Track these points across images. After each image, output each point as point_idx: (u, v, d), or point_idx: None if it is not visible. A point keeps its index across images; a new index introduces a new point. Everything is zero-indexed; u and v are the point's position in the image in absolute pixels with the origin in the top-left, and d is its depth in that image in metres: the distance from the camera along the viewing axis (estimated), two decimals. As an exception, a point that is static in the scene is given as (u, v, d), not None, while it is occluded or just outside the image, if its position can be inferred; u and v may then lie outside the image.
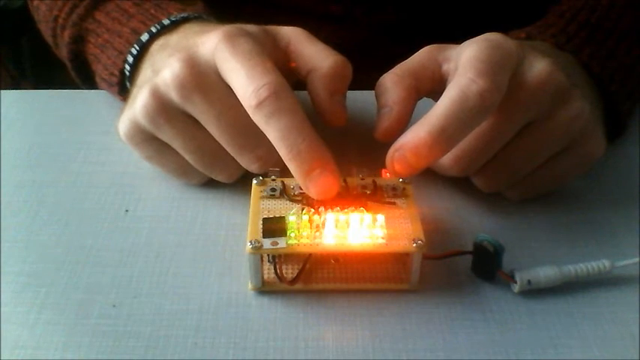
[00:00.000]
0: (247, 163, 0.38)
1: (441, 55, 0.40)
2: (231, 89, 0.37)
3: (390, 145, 0.37)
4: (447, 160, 0.39)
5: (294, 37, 0.41)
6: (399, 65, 0.41)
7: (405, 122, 0.39)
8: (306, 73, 0.40)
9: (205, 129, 0.38)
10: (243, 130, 0.37)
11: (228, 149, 0.38)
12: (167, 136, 0.39)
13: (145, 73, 0.42)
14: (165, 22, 0.44)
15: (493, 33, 0.38)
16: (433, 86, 0.40)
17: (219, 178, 0.41)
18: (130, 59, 0.45)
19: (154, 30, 0.44)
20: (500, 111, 0.37)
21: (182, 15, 0.45)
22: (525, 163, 0.39)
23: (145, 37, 0.44)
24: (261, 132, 0.36)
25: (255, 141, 0.37)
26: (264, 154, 0.38)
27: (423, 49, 0.41)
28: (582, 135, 0.39)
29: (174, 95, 0.37)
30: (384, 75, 0.41)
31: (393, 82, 0.40)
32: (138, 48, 0.44)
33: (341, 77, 0.40)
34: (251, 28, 0.40)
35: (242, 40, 0.37)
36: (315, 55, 0.40)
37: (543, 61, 0.37)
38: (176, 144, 0.39)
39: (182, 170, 0.41)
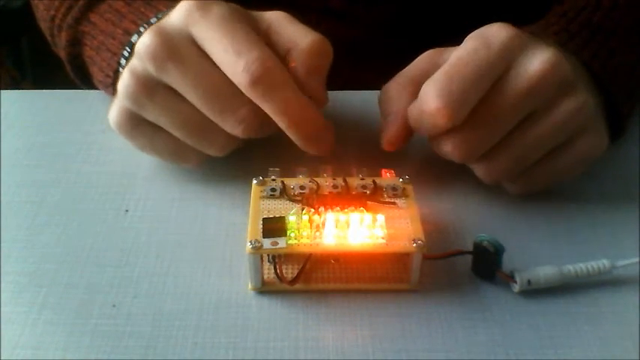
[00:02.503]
0: (231, 127, 0.38)
1: (441, 58, 0.40)
2: (205, 54, 0.37)
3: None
4: (448, 145, 0.38)
5: (274, 19, 0.40)
6: (400, 73, 0.41)
7: (410, 130, 0.39)
8: (285, 52, 0.39)
9: (188, 101, 0.38)
10: (221, 93, 0.37)
11: (210, 115, 0.38)
12: (153, 114, 0.39)
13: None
14: (153, 20, 0.44)
15: (493, 26, 0.38)
16: None
17: (212, 151, 0.40)
18: (123, 61, 0.45)
19: (142, 30, 0.44)
20: (503, 99, 0.37)
21: (169, 11, 0.44)
22: (527, 154, 0.39)
23: (134, 38, 0.44)
24: (241, 93, 0.36)
25: (235, 102, 0.37)
26: (247, 114, 0.37)
27: (423, 55, 0.41)
28: (584, 129, 0.39)
29: (149, 67, 0.37)
30: (387, 84, 0.41)
31: (396, 90, 0.40)
32: (129, 50, 0.44)
33: (320, 55, 0.39)
34: (229, 4, 0.39)
35: (215, 7, 0.37)
36: (294, 34, 0.39)
37: (548, 51, 0.37)
38: (163, 121, 0.39)
39: (176, 152, 0.41)
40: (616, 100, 0.44)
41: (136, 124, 0.40)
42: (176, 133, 0.40)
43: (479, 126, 0.37)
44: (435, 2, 0.58)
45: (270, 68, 0.35)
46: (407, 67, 0.41)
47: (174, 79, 0.37)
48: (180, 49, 0.37)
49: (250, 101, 0.37)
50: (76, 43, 0.50)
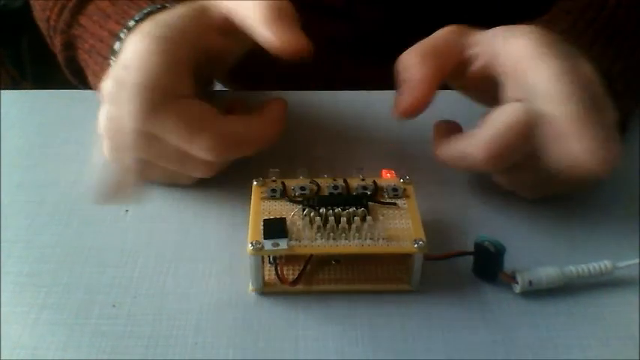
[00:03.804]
0: (204, 154, 0.39)
1: (465, 39, 0.39)
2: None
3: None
4: (479, 153, 0.37)
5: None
6: (421, 42, 0.40)
7: (427, 101, 0.38)
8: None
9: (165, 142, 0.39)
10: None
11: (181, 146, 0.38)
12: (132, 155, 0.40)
13: None
14: (131, 23, 0.44)
15: (529, 27, 0.38)
16: (456, 68, 0.39)
17: (198, 175, 0.41)
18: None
19: (122, 36, 0.44)
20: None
21: (145, 11, 0.44)
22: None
23: (117, 45, 0.44)
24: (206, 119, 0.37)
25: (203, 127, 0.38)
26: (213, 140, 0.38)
27: (445, 29, 0.40)
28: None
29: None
30: (406, 52, 0.39)
31: (416, 58, 0.39)
32: (114, 58, 0.44)
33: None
34: (172, 23, 0.39)
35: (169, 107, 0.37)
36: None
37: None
38: (145, 157, 0.40)
39: (165, 177, 0.42)
40: (620, 99, 0.44)
41: (119, 157, 0.41)
42: (160, 164, 0.40)
43: (514, 134, 0.37)
44: (436, 1, 0.58)
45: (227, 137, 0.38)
46: (428, 38, 0.40)
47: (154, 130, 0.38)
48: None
49: (215, 128, 0.38)
50: (69, 47, 0.50)
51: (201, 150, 0.38)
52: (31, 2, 0.57)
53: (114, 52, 0.44)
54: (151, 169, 0.41)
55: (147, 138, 0.38)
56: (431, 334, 0.34)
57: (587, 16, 0.46)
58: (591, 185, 0.41)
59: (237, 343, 0.33)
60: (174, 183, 0.42)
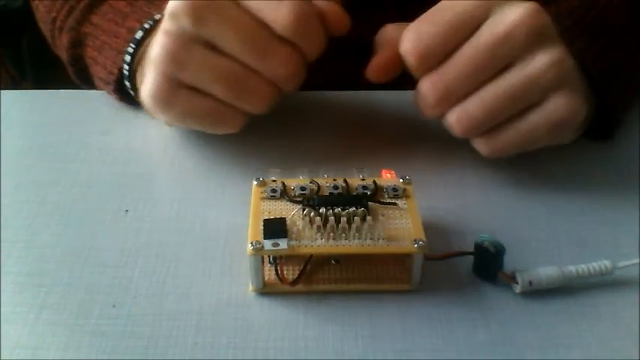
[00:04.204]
0: (276, 68, 0.39)
1: None
2: (238, 3, 0.38)
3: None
4: (425, 84, 0.39)
5: None
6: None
7: (398, 64, 0.41)
8: None
9: (226, 55, 0.38)
10: (262, 38, 0.38)
11: (253, 61, 0.38)
12: (192, 72, 0.39)
13: (147, 52, 0.42)
14: (157, 16, 0.44)
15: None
16: None
17: (253, 106, 0.40)
18: (128, 58, 0.45)
19: (147, 26, 0.44)
20: (479, 44, 0.38)
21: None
22: (499, 105, 0.39)
23: (139, 34, 0.44)
24: (278, 38, 0.38)
25: (276, 45, 0.38)
26: (289, 55, 0.39)
27: None
28: (559, 86, 0.38)
29: (186, 22, 0.37)
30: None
31: (392, 28, 0.42)
32: (134, 46, 0.44)
33: None
34: None
35: None
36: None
37: (527, 2, 0.38)
38: (203, 79, 0.39)
39: (216, 114, 0.41)
40: (606, 92, 0.44)
41: (173, 90, 0.40)
42: (216, 90, 0.39)
43: (454, 69, 0.38)
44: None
45: (308, 8, 0.38)
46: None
47: (213, 29, 0.38)
48: (216, 0, 0.38)
49: (289, 44, 0.38)
50: (77, 45, 0.50)
51: (279, 21, 0.38)
52: (34, 4, 0.57)
53: (135, 41, 0.45)
54: (200, 101, 0.40)
55: (205, 46, 0.38)
56: (431, 334, 0.34)
57: (574, 16, 0.46)
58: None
59: (237, 343, 0.33)
60: (218, 125, 0.42)
